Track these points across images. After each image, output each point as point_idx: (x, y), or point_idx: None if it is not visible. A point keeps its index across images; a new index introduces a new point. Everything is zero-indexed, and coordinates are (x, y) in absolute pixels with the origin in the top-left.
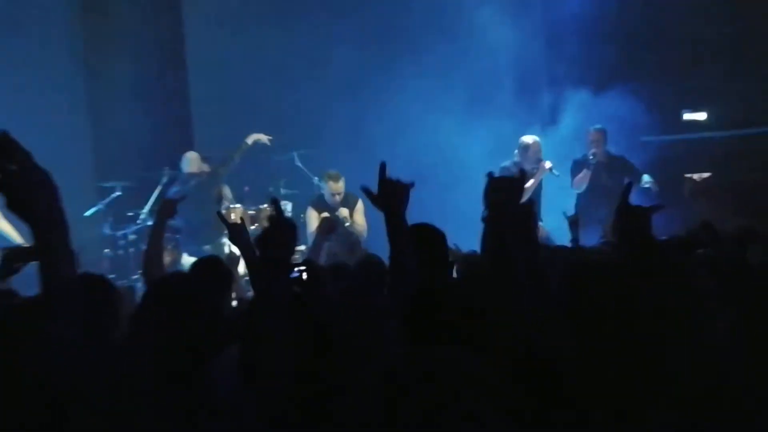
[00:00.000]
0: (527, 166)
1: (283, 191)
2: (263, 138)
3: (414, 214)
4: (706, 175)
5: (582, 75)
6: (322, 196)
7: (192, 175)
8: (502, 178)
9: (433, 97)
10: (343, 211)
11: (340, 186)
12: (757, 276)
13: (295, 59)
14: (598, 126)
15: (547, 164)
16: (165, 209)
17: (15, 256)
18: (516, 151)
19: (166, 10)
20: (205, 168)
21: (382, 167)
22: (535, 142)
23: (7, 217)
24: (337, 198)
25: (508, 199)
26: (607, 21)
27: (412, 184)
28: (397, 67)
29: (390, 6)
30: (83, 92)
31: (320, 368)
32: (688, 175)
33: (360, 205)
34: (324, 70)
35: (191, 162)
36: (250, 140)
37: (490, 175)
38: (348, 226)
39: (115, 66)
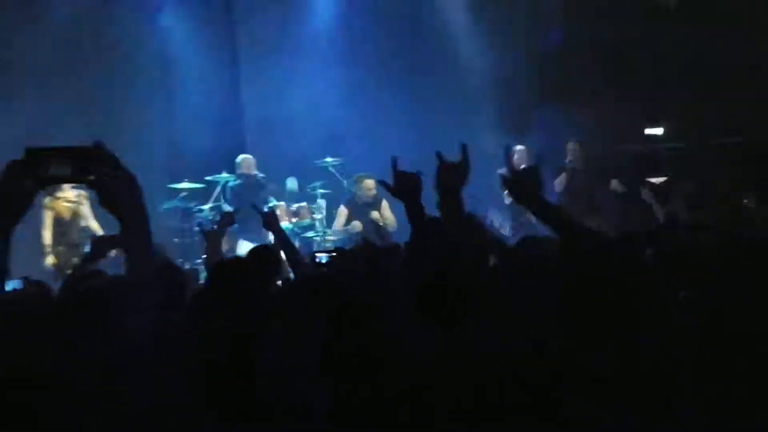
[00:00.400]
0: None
1: (320, 191)
2: (294, 184)
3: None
4: (661, 178)
5: (565, 97)
6: (353, 196)
7: (241, 174)
8: (447, 166)
9: (437, 114)
10: (374, 214)
11: (371, 183)
12: (709, 262)
13: (328, 87)
14: (575, 139)
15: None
16: (226, 220)
17: (103, 243)
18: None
19: (226, 45)
20: (255, 172)
21: (394, 161)
22: (519, 150)
23: (95, 214)
24: (373, 192)
25: (453, 185)
26: (586, 53)
27: (419, 173)
28: (408, 91)
29: (402, 44)
30: (161, 112)
31: (346, 342)
32: (649, 179)
33: (385, 203)
34: (351, 96)
35: (242, 163)
36: (289, 183)
37: (438, 156)
38: (381, 225)
39: (184, 94)
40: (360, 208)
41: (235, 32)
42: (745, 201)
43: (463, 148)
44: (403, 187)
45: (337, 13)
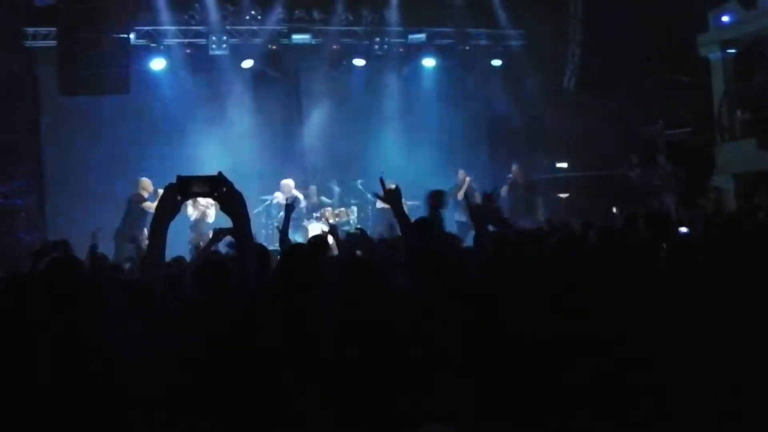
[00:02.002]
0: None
1: (353, 201)
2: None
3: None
4: (565, 194)
5: (501, 140)
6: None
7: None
8: (389, 190)
9: (422, 151)
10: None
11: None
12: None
13: (358, 131)
14: (516, 163)
15: (467, 180)
16: (289, 209)
17: (220, 233)
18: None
19: (294, 90)
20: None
21: (381, 179)
22: (461, 172)
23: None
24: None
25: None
26: (516, 118)
27: (397, 186)
28: (406, 136)
29: (402, 106)
30: (256, 149)
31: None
32: (558, 194)
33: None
34: (373, 138)
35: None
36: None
37: (381, 181)
38: None
39: (269, 136)
40: None
41: (300, 96)
42: (614, 210)
43: (381, 180)
44: (389, 197)
45: (364, 81)
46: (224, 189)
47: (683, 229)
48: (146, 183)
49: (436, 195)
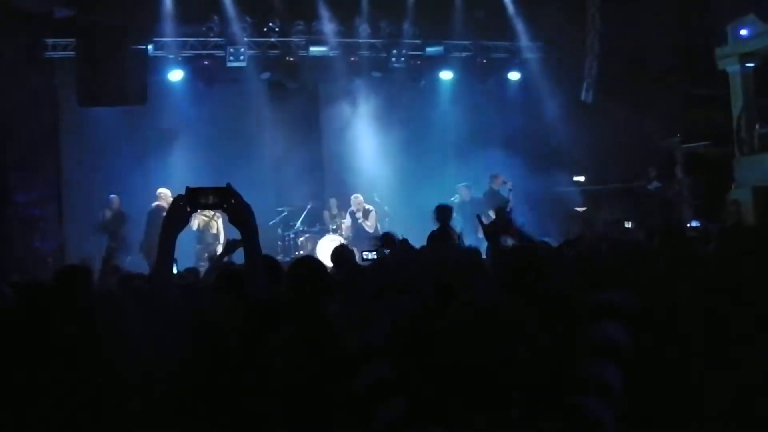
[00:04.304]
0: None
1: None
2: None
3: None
4: (583, 208)
5: (518, 154)
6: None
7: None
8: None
9: (428, 160)
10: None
11: (360, 198)
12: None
13: (375, 144)
14: (494, 173)
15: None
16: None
17: (232, 244)
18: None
19: (312, 102)
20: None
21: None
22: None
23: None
24: (361, 204)
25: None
26: (532, 132)
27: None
28: (415, 148)
29: (414, 120)
30: (273, 162)
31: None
32: (576, 208)
33: (373, 212)
34: (392, 151)
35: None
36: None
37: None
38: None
39: (278, 143)
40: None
41: (317, 108)
42: (627, 224)
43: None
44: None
45: (382, 93)
46: (233, 201)
47: (695, 223)
48: (167, 194)
49: (441, 209)
